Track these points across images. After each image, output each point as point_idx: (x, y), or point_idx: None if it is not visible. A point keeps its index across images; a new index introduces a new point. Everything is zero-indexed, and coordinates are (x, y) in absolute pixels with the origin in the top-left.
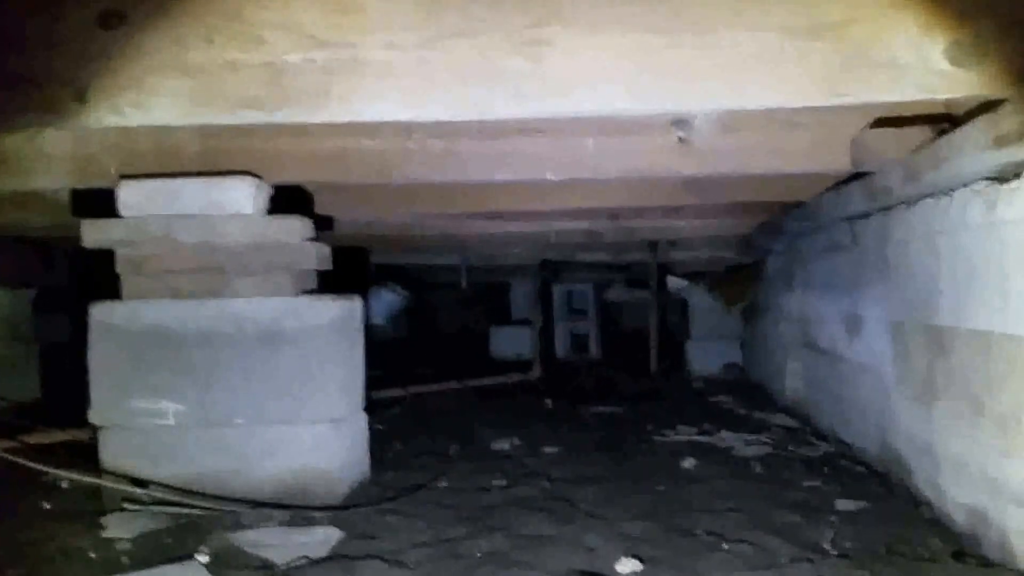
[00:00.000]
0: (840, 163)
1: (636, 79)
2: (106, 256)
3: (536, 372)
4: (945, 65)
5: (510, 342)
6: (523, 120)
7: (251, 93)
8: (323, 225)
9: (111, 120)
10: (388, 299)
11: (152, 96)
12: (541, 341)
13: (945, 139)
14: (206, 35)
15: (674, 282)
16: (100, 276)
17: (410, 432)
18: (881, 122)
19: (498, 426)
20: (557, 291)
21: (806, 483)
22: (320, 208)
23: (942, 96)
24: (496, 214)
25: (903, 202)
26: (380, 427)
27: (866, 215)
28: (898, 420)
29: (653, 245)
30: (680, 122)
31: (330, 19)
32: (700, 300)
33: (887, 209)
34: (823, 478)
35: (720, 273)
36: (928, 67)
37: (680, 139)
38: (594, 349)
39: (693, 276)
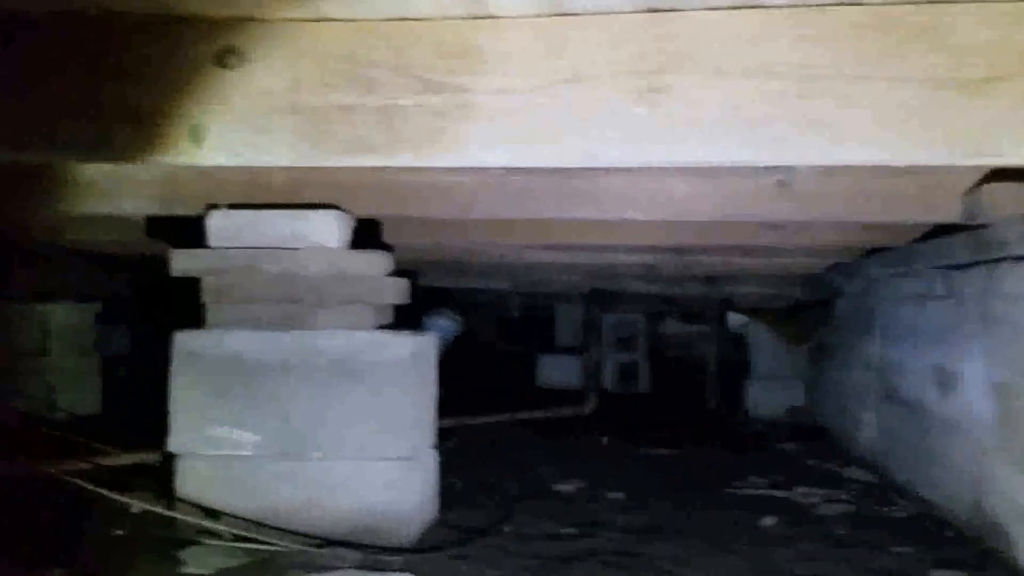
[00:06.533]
0: (949, 213)
1: (758, 129)
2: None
3: (591, 405)
4: None
5: (557, 370)
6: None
7: (364, 136)
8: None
9: (224, 160)
10: (444, 326)
11: (266, 137)
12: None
13: None
14: (321, 77)
15: (735, 318)
16: (161, 291)
17: (467, 466)
18: (999, 174)
19: (556, 463)
20: (607, 321)
21: (895, 548)
22: (386, 236)
23: None
24: (557, 245)
25: (1016, 257)
26: (439, 459)
27: (966, 266)
28: (997, 485)
29: (712, 279)
30: (784, 166)
31: (444, 62)
32: (762, 338)
33: (993, 262)
34: (912, 543)
35: (783, 311)
36: None
37: (779, 182)
38: (643, 382)
39: (753, 312)
